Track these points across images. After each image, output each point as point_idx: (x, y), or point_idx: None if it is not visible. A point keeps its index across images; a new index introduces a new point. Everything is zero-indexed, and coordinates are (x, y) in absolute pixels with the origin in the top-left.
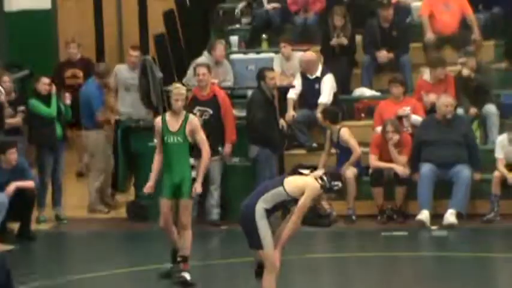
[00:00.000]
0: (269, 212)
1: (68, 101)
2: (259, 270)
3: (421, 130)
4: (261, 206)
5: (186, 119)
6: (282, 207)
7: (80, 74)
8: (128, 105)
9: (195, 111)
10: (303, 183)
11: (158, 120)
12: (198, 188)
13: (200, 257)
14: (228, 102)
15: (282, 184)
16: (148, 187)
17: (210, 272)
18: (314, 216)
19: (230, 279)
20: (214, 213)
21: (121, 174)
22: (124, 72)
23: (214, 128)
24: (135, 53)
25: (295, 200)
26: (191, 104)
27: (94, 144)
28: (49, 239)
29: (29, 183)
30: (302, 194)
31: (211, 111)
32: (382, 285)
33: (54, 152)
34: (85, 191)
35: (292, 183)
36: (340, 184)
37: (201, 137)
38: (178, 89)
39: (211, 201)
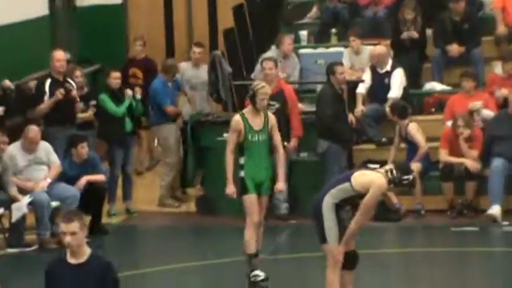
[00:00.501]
0: (338, 207)
1: (139, 96)
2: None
3: (493, 125)
4: (329, 200)
5: (266, 116)
6: (352, 202)
7: (140, 74)
8: (195, 103)
9: None
10: (369, 180)
11: (239, 119)
12: (280, 186)
13: (270, 252)
14: (295, 97)
15: (349, 179)
16: (232, 192)
17: (279, 266)
18: (383, 211)
19: (299, 274)
20: (283, 208)
21: (190, 169)
22: (188, 71)
23: (280, 122)
24: (199, 50)
25: (362, 196)
26: None
27: (165, 139)
28: (120, 232)
29: (100, 177)
30: (368, 190)
31: (277, 105)
32: (451, 281)
33: (123, 146)
34: (155, 184)
35: (358, 179)
36: (410, 177)
37: (278, 135)
38: (264, 88)
39: (279, 196)
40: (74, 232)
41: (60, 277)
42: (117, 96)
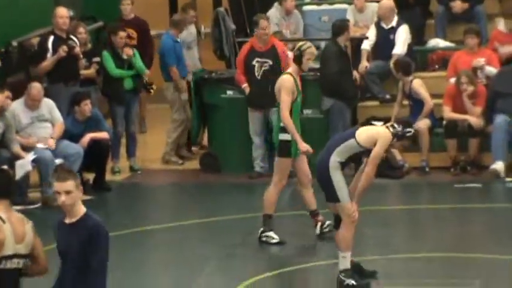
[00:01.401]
0: (343, 164)
1: (130, 52)
2: (337, 223)
3: (496, 81)
4: (334, 159)
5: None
6: (356, 159)
7: (134, 34)
8: (189, 61)
9: (254, 62)
10: (375, 133)
11: (291, 79)
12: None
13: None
14: (287, 53)
15: (354, 136)
16: (307, 149)
17: (281, 223)
18: (386, 168)
19: (301, 229)
20: None
21: (194, 127)
22: (183, 33)
23: (273, 79)
24: (194, 13)
25: (368, 151)
26: (248, 55)
27: (172, 96)
28: (123, 189)
29: (103, 134)
30: (374, 144)
31: (270, 62)
32: (455, 237)
33: (124, 104)
34: (160, 143)
35: (363, 133)
36: (412, 130)
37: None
38: (311, 49)
39: None
40: (68, 191)
41: (58, 236)
42: (119, 55)
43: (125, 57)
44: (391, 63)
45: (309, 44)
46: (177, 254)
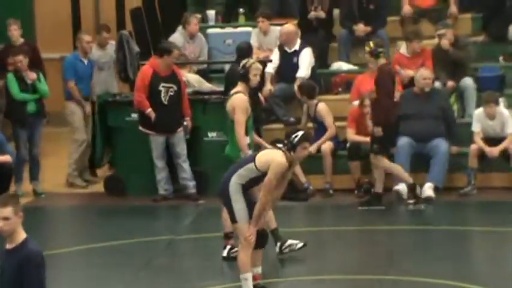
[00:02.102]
0: (245, 187)
1: (33, 76)
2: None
3: (404, 103)
4: (235, 181)
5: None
6: (258, 182)
7: (25, 61)
8: (101, 83)
9: (160, 87)
10: (269, 158)
11: (243, 97)
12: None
13: (177, 233)
14: (184, 80)
15: (253, 160)
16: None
17: (187, 246)
18: (291, 191)
19: (203, 253)
20: (191, 187)
21: (98, 149)
22: (95, 53)
23: (178, 104)
24: (108, 35)
25: (265, 175)
26: (153, 80)
27: (72, 115)
28: (27, 213)
29: (6, 158)
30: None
31: (175, 87)
32: (359, 259)
33: (27, 127)
34: (63, 166)
35: (261, 158)
36: (298, 134)
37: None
38: (255, 64)
39: (184, 175)
40: (6, 217)
41: (1, 261)
42: (23, 78)
43: (28, 81)
44: (295, 87)
45: (252, 60)
46: (81, 278)
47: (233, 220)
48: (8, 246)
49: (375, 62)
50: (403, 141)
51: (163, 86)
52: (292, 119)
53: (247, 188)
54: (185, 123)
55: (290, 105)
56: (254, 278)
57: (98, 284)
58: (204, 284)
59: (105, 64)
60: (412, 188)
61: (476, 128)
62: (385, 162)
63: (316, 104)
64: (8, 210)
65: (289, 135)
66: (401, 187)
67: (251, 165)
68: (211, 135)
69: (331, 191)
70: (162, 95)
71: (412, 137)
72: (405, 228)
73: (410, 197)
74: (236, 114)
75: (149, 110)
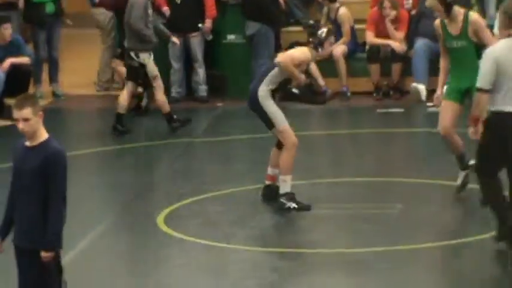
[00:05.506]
0: (274, 91)
1: None
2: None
3: (422, 1)
4: (262, 89)
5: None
6: (285, 85)
7: None
8: None
9: None
10: (292, 51)
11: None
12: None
13: (195, 135)
14: None
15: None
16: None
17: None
18: (309, 94)
19: (219, 157)
20: (202, 90)
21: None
22: None
23: (194, 3)
24: None
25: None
26: None
27: (102, 19)
28: (45, 115)
29: (25, 59)
30: (291, 60)
31: None
32: (377, 162)
33: (46, 29)
34: (83, 68)
35: (283, 54)
36: (324, 29)
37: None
38: None
39: (196, 78)
40: (26, 118)
41: (16, 156)
42: None
43: None
44: None
45: None
46: (98, 181)
47: (270, 126)
48: (29, 143)
49: None
50: (420, 42)
51: None
52: (311, 22)
53: (277, 92)
54: (199, 25)
55: (310, 7)
56: (271, 179)
57: (114, 188)
58: (225, 186)
59: None
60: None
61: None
62: None
63: (338, 8)
64: (27, 111)
65: (314, 33)
66: (420, 88)
67: (276, 69)
68: (230, 37)
69: (348, 94)
70: None
71: (431, 37)
72: (424, 130)
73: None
74: None
75: (165, 8)
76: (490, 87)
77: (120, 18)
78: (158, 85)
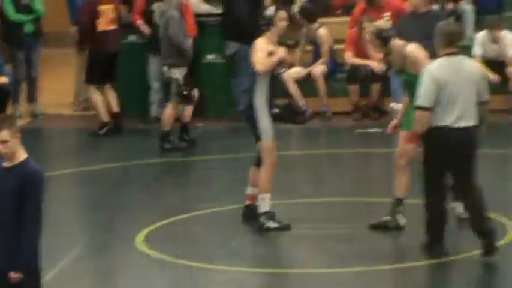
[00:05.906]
0: (267, 100)
1: None
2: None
3: (400, 25)
4: (259, 97)
5: None
6: (272, 90)
7: None
8: None
9: (153, 7)
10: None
11: None
12: None
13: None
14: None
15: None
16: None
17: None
18: (289, 114)
19: (200, 177)
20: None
21: None
22: None
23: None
24: None
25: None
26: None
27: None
28: (23, 134)
29: (3, 79)
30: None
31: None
32: (356, 182)
33: (24, 48)
34: (61, 88)
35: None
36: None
37: None
38: None
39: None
40: (4, 140)
41: None
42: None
43: (26, 1)
44: (296, 10)
45: None
46: (76, 199)
47: (258, 139)
48: (6, 164)
49: None
50: None
51: (157, 6)
52: (290, 42)
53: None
54: None
55: (289, 27)
56: (251, 198)
57: (92, 208)
58: (204, 206)
59: None
60: None
61: (478, 51)
62: None
63: (317, 28)
64: (5, 134)
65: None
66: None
67: (258, 78)
68: (210, 57)
69: (328, 114)
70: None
71: None
72: None
73: None
74: None
75: (143, 27)
76: (432, 105)
77: None
78: (176, 102)
